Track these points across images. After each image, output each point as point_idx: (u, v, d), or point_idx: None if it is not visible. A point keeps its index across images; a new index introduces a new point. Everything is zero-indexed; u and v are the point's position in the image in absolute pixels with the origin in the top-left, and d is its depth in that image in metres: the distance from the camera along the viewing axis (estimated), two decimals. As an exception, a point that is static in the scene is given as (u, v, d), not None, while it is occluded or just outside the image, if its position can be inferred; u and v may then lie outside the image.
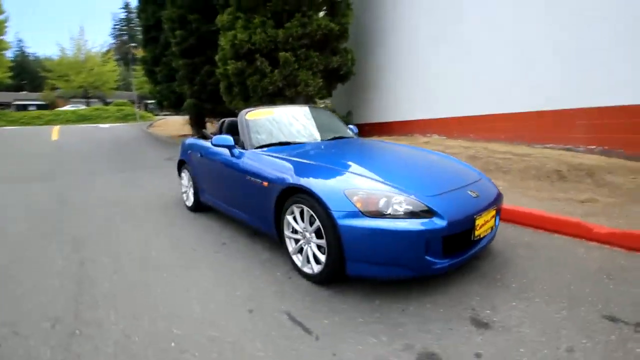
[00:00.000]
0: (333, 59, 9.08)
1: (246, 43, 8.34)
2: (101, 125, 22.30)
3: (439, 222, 1.95)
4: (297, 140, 3.19)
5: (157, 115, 30.48)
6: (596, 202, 3.59)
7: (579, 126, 5.32)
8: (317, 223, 2.13)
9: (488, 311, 1.90)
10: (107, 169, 7.44)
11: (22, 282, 2.44)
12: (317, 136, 3.34)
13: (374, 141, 3.79)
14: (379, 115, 10.60)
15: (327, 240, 2.07)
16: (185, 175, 4.17)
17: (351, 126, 3.95)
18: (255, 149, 3.00)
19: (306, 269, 2.32)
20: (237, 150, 3.06)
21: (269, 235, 2.78)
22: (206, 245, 3.04)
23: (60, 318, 1.99)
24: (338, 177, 2.22)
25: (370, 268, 2.00)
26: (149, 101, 34.54)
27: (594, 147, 5.14)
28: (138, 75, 27.87)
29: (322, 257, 2.15)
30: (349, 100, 11.60)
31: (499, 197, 2.45)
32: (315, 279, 2.26)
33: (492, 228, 2.35)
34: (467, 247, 2.16)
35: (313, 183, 2.16)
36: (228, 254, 2.85)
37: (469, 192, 2.25)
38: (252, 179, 2.73)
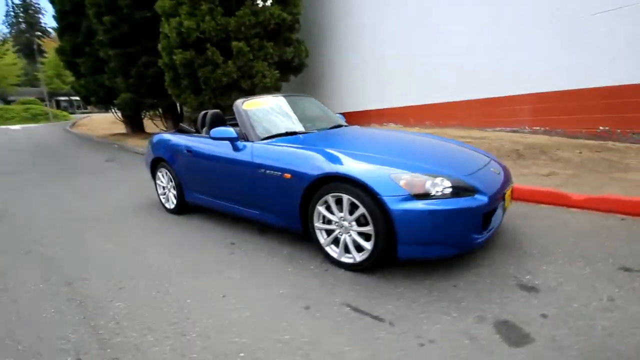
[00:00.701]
0: (287, 50, 8.92)
1: (194, 31, 7.76)
2: (12, 127, 19.06)
3: (481, 199, 2.05)
4: (301, 129, 3.08)
5: (72, 113, 26.97)
6: (557, 174, 4.10)
7: (524, 110, 6.00)
8: (361, 210, 2.09)
9: (528, 277, 2.07)
10: (42, 177, 6.38)
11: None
12: (318, 125, 3.26)
13: (377, 129, 3.79)
14: (333, 106, 10.64)
15: (374, 226, 2.04)
16: (163, 175, 3.76)
17: (339, 114, 3.93)
18: (261, 140, 2.83)
19: (345, 259, 2.26)
20: (241, 143, 2.85)
21: (282, 229, 2.66)
22: (214, 248, 2.79)
23: (84, 348, 1.67)
24: (375, 163, 2.19)
25: (420, 249, 2.03)
26: (62, 98, 30.42)
27: (538, 128, 5.85)
28: (47, 68, 24.23)
29: (367, 245, 2.12)
30: (301, 92, 11.51)
31: (510, 174, 2.67)
32: (356, 268, 2.23)
33: (510, 202, 2.55)
34: (491, 220, 2.31)
35: (355, 170, 2.11)
36: (244, 254, 2.65)
37: (492, 170, 2.40)
38: (269, 172, 2.57)
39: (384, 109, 9.05)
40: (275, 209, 2.64)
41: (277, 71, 8.67)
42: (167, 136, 3.78)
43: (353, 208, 2.15)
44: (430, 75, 7.53)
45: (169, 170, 3.63)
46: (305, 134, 2.96)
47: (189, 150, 3.32)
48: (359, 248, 2.19)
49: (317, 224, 2.36)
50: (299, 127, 3.12)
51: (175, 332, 1.76)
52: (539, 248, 2.40)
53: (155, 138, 3.97)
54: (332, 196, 2.22)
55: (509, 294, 1.91)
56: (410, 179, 2.03)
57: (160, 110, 12.14)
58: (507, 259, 2.28)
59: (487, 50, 6.34)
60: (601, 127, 5.05)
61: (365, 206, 2.06)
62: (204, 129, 3.65)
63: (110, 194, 4.82)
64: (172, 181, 3.64)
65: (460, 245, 2.07)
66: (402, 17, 8.05)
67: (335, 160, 2.25)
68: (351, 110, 9.70)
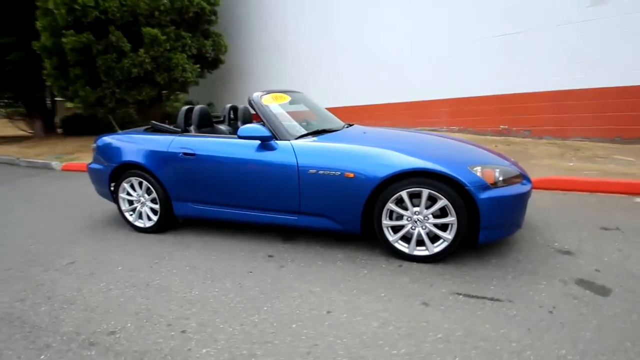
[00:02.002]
0: (206, 43, 8.19)
1: (93, 10, 6.38)
2: None
3: (528, 184, 2.41)
4: (325, 127, 2.95)
5: None
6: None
7: (442, 113, 7.07)
8: (442, 202, 2.17)
9: (556, 244, 2.51)
10: None
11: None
12: (327, 124, 3.15)
13: (384, 128, 3.67)
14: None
15: (457, 216, 2.16)
16: (132, 186, 3.01)
17: None
18: (297, 139, 2.60)
19: (417, 252, 2.31)
20: (275, 143, 2.55)
21: (327, 232, 2.54)
22: (256, 265, 2.43)
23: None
24: (445, 157, 2.31)
25: (496, 232, 2.25)
26: None
27: (454, 127, 6.98)
28: None
29: (446, 235, 2.22)
30: (212, 91, 10.67)
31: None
32: (431, 260, 2.30)
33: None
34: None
35: (438, 163, 2.18)
36: (296, 265, 2.39)
37: (511, 160, 2.82)
38: (322, 172, 2.38)
39: (307, 111, 9.19)
40: (327, 211, 2.46)
41: (198, 65, 7.87)
42: (141, 137, 3.04)
43: (429, 201, 2.23)
44: (357, 76, 8.04)
45: (146, 179, 2.93)
46: (333, 132, 2.86)
47: (189, 153, 2.76)
48: (437, 238, 2.28)
49: (386, 221, 2.33)
50: (323, 125, 3.00)
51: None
52: (538, 221, 2.97)
53: (115, 140, 3.14)
54: (406, 192, 2.24)
55: (558, 259, 2.29)
56: (482, 170, 2.23)
57: (21, 107, 9.43)
58: (527, 233, 2.73)
59: (413, 59, 7.20)
60: (502, 126, 6.40)
61: (447, 197, 2.16)
62: (192, 127, 3.11)
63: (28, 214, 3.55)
64: (150, 192, 2.96)
65: (519, 225, 2.39)
66: (328, 18, 8.35)
67: (408, 156, 2.28)
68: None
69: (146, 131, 3.23)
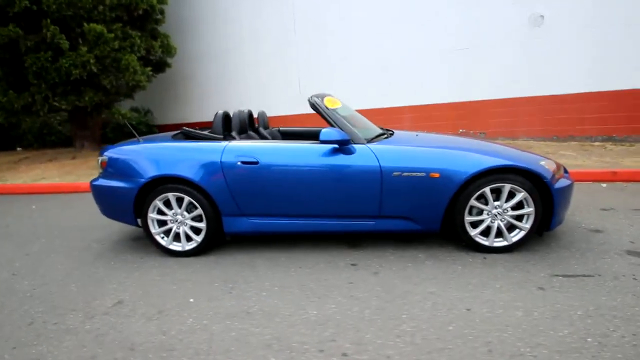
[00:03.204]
0: (154, 44, 7.43)
1: (22, -2, 5.27)
2: None
3: (568, 176, 2.78)
4: (376, 131, 2.95)
5: None
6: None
7: (404, 119, 7.60)
8: (521, 195, 2.37)
9: (582, 224, 2.95)
10: None
11: None
12: (376, 128, 3.14)
13: (429, 132, 3.67)
14: (194, 114, 9.56)
15: (535, 207, 2.38)
16: (168, 202, 2.58)
17: None
18: (369, 142, 2.57)
19: (497, 243, 2.47)
20: (353, 147, 2.47)
21: (411, 232, 2.57)
22: (342, 275, 2.29)
23: None
24: (517, 155, 2.51)
25: (560, 218, 2.53)
26: None
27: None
28: None
29: (523, 224, 2.43)
30: (152, 97, 9.65)
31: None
32: (509, 249, 2.48)
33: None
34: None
35: (518, 161, 2.37)
36: (389, 269, 2.33)
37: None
38: (407, 174, 2.40)
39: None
40: (408, 212, 2.47)
41: (149, 68, 7.09)
42: (181, 146, 2.63)
43: (509, 196, 2.42)
44: (321, 83, 8.14)
45: (189, 194, 2.54)
46: (391, 136, 2.90)
47: (250, 161, 2.48)
48: (513, 229, 2.47)
49: (469, 218, 2.44)
50: (374, 129, 3.00)
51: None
52: (589, 206, 3.37)
53: (140, 150, 2.66)
54: (489, 188, 2.39)
55: (596, 237, 2.65)
56: (547, 163, 2.52)
57: None
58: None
59: (378, 69, 7.60)
60: (461, 130, 7.17)
61: (528, 191, 2.37)
62: (234, 133, 2.82)
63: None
64: (191, 210, 2.58)
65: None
66: (283, 24, 8.29)
67: (486, 155, 2.43)
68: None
69: (175, 138, 2.81)
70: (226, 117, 2.80)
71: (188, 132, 2.77)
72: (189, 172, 2.51)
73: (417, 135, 3.06)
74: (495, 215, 2.44)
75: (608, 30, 5.80)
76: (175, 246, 2.65)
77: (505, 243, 2.47)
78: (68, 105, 6.13)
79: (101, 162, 2.73)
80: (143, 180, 2.54)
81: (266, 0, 8.35)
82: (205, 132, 2.77)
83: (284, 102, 8.19)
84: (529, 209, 2.39)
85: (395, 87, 7.49)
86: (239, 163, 2.49)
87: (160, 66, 8.24)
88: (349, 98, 7.64)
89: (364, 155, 2.45)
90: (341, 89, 7.88)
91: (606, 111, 5.98)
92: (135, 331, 1.82)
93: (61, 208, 4.41)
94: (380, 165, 2.42)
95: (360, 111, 3.36)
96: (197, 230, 2.63)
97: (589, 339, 1.59)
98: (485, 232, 2.48)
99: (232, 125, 2.80)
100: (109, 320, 1.93)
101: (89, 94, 6.20)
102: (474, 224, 2.47)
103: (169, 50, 7.75)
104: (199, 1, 8.87)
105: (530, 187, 2.36)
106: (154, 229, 2.63)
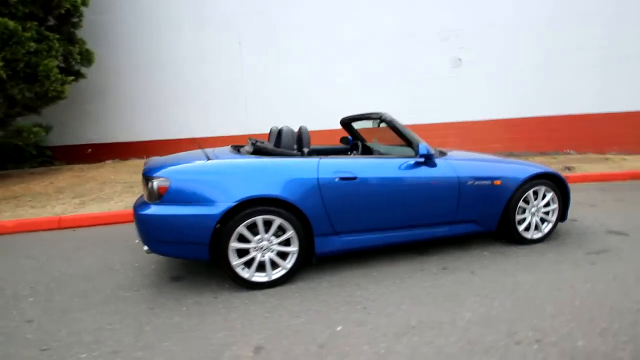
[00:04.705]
0: (72, 50, 6.22)
1: None
2: None
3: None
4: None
5: None
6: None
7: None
8: (550, 195, 2.98)
9: (601, 226, 3.80)
10: None
11: None
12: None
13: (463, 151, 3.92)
14: (108, 133, 8.26)
15: (558, 204, 3.03)
16: (258, 228, 2.26)
17: None
18: (438, 155, 2.84)
19: (536, 236, 3.00)
20: (435, 160, 2.70)
21: (474, 234, 2.91)
22: (446, 279, 2.43)
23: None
24: (541, 165, 3.13)
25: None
26: None
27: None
28: None
29: (551, 218, 3.04)
30: (56, 112, 7.81)
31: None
32: (541, 240, 3.05)
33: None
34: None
35: (548, 169, 2.99)
36: (481, 267, 2.58)
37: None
38: (478, 182, 2.75)
39: (208, 137, 8.32)
40: (476, 216, 2.81)
41: (71, 77, 5.85)
42: (269, 162, 2.35)
43: (539, 196, 3.02)
44: (268, 103, 8.05)
45: (282, 216, 2.28)
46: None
47: (348, 177, 2.41)
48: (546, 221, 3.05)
49: (517, 216, 2.94)
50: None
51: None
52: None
53: (219, 167, 2.28)
54: (533, 191, 2.95)
55: (617, 237, 3.29)
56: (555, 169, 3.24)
57: None
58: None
59: (326, 90, 7.99)
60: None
61: (555, 191, 3.01)
62: (305, 149, 2.70)
63: None
64: (280, 234, 2.34)
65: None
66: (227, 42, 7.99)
67: (525, 165, 3.00)
68: (141, 140, 8.05)
69: (241, 154, 2.50)
70: (285, 132, 2.67)
71: (262, 147, 2.52)
72: (285, 191, 2.29)
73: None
74: (533, 213, 3.01)
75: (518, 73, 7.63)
76: (260, 277, 2.33)
77: (540, 235, 3.04)
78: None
79: (158, 188, 2.22)
80: (230, 204, 2.19)
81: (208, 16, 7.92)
82: (281, 149, 2.58)
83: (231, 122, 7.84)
84: (554, 206, 3.04)
85: (346, 109, 8.01)
86: (337, 179, 2.41)
87: (77, 75, 6.84)
88: (302, 117, 7.85)
89: (444, 168, 2.70)
90: (293, 109, 8.01)
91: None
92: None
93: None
94: (458, 176, 2.71)
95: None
96: (283, 256, 2.39)
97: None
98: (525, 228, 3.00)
99: (302, 142, 2.68)
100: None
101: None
102: (519, 221, 2.98)
103: (88, 57, 6.52)
104: (122, 6, 7.78)
105: (554, 188, 3.01)
106: (235, 261, 2.27)
